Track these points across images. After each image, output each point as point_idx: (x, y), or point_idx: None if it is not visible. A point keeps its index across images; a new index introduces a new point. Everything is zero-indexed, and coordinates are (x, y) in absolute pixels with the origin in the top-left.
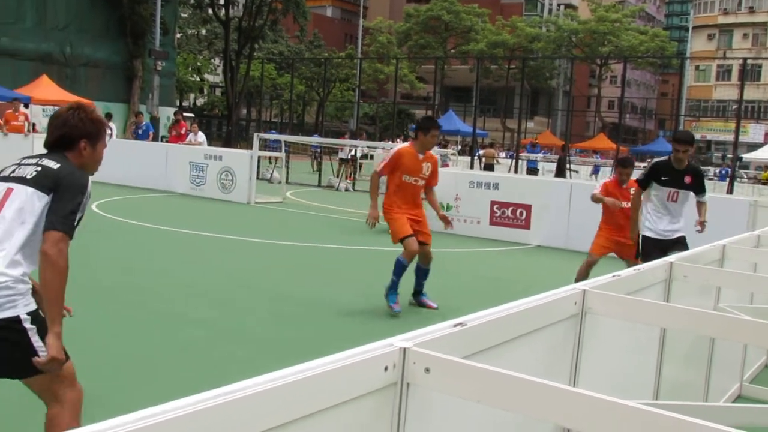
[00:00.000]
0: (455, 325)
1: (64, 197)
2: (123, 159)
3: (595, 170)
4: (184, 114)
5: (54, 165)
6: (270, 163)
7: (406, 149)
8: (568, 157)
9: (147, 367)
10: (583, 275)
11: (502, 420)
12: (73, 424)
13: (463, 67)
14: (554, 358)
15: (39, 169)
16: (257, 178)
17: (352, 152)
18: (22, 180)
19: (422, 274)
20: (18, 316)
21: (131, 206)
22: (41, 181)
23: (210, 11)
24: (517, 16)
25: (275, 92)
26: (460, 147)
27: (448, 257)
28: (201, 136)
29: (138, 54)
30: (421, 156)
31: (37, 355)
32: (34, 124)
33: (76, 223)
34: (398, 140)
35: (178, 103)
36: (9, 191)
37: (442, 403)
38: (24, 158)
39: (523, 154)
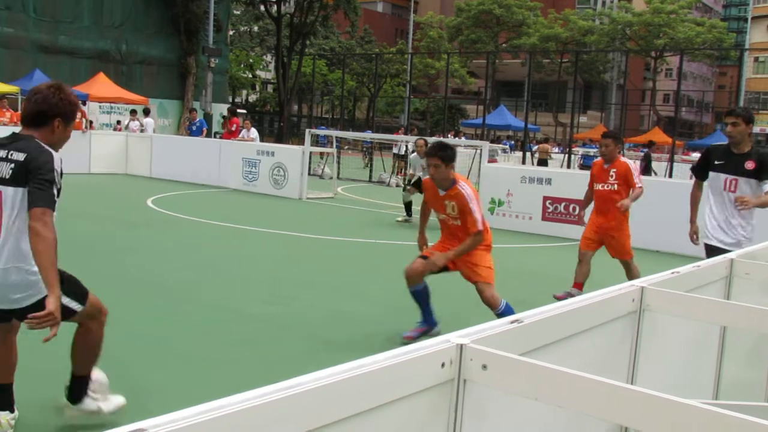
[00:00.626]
0: (512, 322)
1: (37, 178)
2: (177, 155)
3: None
4: (237, 110)
5: (21, 157)
6: (321, 158)
7: (428, 181)
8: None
9: (204, 361)
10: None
11: (559, 418)
12: (100, 332)
13: (515, 61)
14: (611, 356)
15: (12, 165)
16: (308, 173)
17: (405, 148)
18: (3, 181)
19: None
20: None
21: (185, 202)
22: (18, 178)
23: (262, 8)
24: (570, 9)
25: (326, 88)
26: (513, 143)
27: (500, 253)
28: (253, 132)
29: (191, 51)
30: (442, 192)
31: (74, 312)
32: (91, 122)
33: (56, 197)
34: (449, 135)
35: (230, 100)
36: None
37: (499, 400)
38: (1, 147)
39: (578, 149)
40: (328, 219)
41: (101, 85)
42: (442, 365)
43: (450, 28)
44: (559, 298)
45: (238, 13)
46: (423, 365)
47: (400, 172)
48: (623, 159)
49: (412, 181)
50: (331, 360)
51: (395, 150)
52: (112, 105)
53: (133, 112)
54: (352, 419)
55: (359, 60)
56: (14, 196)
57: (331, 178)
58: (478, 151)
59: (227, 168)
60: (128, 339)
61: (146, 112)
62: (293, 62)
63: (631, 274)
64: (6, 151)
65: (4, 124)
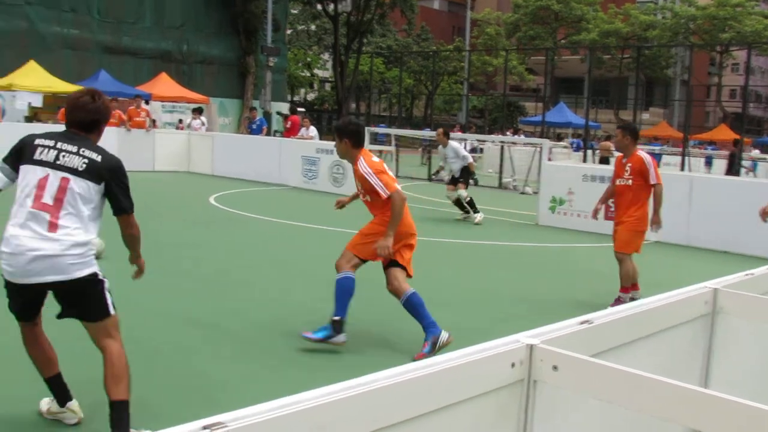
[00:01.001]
0: (581, 323)
1: (122, 184)
2: (238, 154)
3: (708, 161)
4: (297, 109)
5: (96, 156)
6: (380, 156)
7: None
8: (739, 153)
9: (270, 355)
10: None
11: (631, 420)
12: (122, 351)
13: (574, 57)
14: (683, 360)
15: (86, 161)
16: None
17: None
18: (74, 171)
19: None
20: (96, 272)
21: (246, 199)
22: (93, 173)
23: (319, 7)
24: (631, 3)
25: (384, 86)
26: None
27: (562, 252)
28: (313, 131)
29: (250, 51)
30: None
31: (107, 307)
32: (154, 120)
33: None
34: (508, 133)
35: (289, 98)
36: (66, 181)
37: (570, 401)
38: (57, 142)
39: (641, 147)
40: None
41: (163, 84)
42: (512, 365)
43: (507, 25)
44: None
45: (296, 12)
46: (493, 365)
47: None
48: (639, 153)
49: (437, 172)
50: (395, 357)
51: None
52: (174, 104)
53: (199, 111)
54: (422, 418)
55: (416, 58)
56: (87, 189)
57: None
58: (538, 149)
59: (287, 166)
60: (195, 333)
61: (199, 111)
62: (350, 60)
63: (622, 270)
64: (76, 147)
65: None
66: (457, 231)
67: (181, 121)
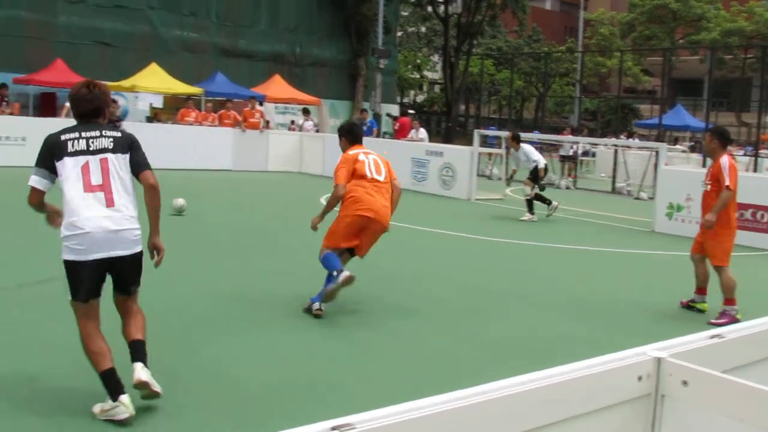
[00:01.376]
0: (712, 337)
1: (139, 149)
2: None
3: None
4: (408, 111)
5: (116, 133)
6: (489, 159)
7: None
8: None
9: (384, 360)
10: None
11: None
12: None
13: (693, 57)
14: None
15: (111, 138)
16: (477, 174)
17: (573, 149)
18: (107, 150)
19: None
20: (141, 251)
21: None
22: (120, 146)
23: (429, 9)
24: (755, 0)
25: (493, 88)
26: (691, 143)
27: (680, 261)
28: (422, 133)
29: (362, 53)
30: None
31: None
32: (268, 121)
33: None
34: (622, 136)
35: (398, 100)
36: (105, 161)
37: (699, 418)
38: (81, 132)
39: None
40: (498, 221)
41: (277, 86)
42: (639, 378)
43: (622, 25)
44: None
45: (406, 14)
46: (619, 377)
47: (570, 174)
48: (722, 158)
49: (512, 176)
50: (502, 365)
51: (562, 152)
52: (287, 105)
53: (306, 112)
54: (542, 430)
55: (527, 59)
56: (122, 160)
57: (500, 179)
58: (654, 153)
59: (397, 168)
60: (305, 335)
61: (305, 113)
62: (460, 62)
63: (721, 282)
64: (98, 131)
65: (190, 123)
66: (571, 237)
67: (293, 122)
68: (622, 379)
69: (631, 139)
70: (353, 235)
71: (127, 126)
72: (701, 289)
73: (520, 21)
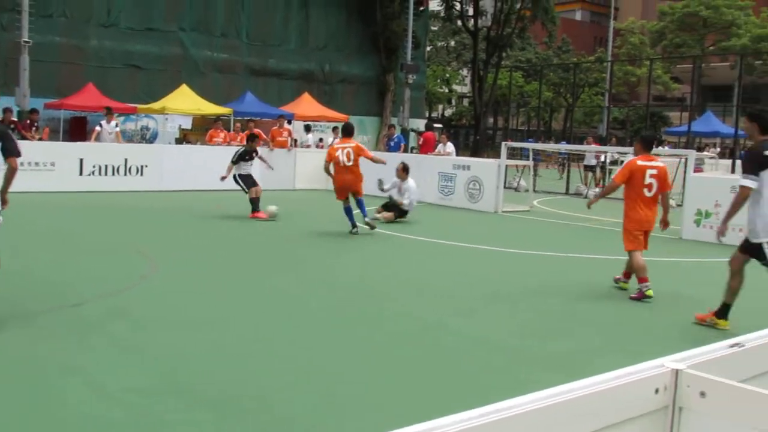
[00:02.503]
0: (731, 346)
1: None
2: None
3: None
4: (435, 125)
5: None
6: (517, 171)
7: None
8: None
9: (400, 373)
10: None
11: None
12: None
13: (723, 64)
14: None
15: None
16: (504, 186)
17: (602, 158)
18: None
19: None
20: None
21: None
22: None
23: (459, 23)
24: None
25: (522, 100)
26: (719, 149)
27: (708, 267)
28: (450, 146)
29: (390, 69)
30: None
31: None
32: (296, 140)
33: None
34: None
35: (427, 115)
36: None
37: (718, 430)
38: None
39: None
40: (525, 233)
41: (306, 104)
42: (656, 391)
43: (652, 33)
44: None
45: (435, 29)
46: (636, 390)
47: (598, 184)
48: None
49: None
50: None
51: (586, 161)
52: (315, 123)
53: (335, 130)
54: None
55: (557, 70)
56: None
57: (527, 191)
58: (683, 160)
59: (424, 182)
60: (336, 347)
61: (307, 129)
62: (489, 75)
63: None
64: None
65: (219, 144)
66: (595, 245)
67: (321, 140)
68: (640, 391)
69: (660, 147)
70: (342, 193)
71: (157, 148)
72: (627, 274)
73: (549, 32)
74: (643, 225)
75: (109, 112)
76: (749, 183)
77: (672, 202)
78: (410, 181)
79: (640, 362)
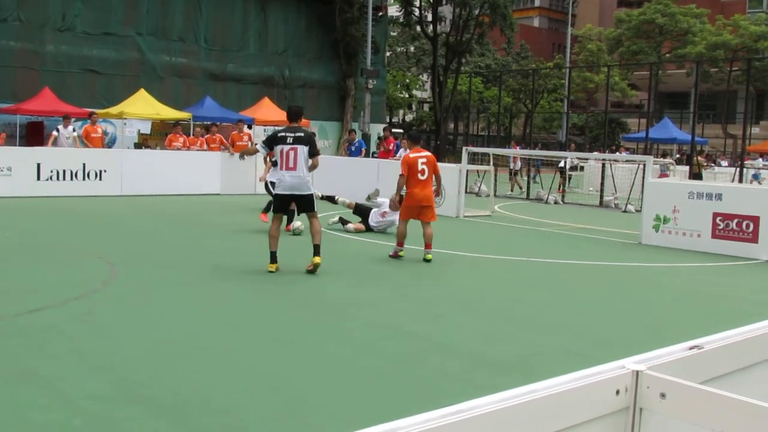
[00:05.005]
0: (690, 348)
1: None
2: (337, 175)
3: None
4: (393, 130)
5: None
6: (478, 177)
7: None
8: None
9: (362, 375)
10: None
11: None
12: None
13: (679, 71)
14: None
15: None
16: (465, 192)
17: (561, 164)
18: None
19: None
20: None
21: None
22: None
23: (418, 28)
24: (740, 14)
25: (482, 105)
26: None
27: (667, 272)
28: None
29: (350, 74)
30: None
31: None
32: (255, 144)
33: None
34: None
35: (387, 120)
36: None
37: (678, 431)
38: None
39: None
40: (486, 237)
41: (266, 109)
42: (617, 392)
43: (609, 40)
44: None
45: (395, 34)
46: (596, 392)
47: (559, 189)
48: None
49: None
50: (489, 382)
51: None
52: (276, 127)
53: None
54: None
55: (516, 76)
56: None
57: (488, 195)
58: (641, 166)
59: (385, 187)
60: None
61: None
62: (449, 81)
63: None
64: None
65: (178, 149)
66: (559, 250)
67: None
68: (600, 393)
69: (618, 153)
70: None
71: (115, 153)
72: (427, 245)
73: (508, 38)
74: (422, 201)
75: (66, 118)
76: None
77: (631, 208)
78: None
79: (600, 364)
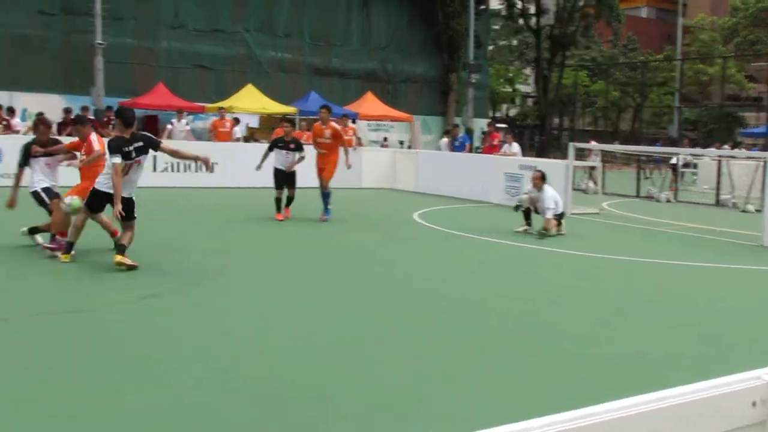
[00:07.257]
0: None
1: None
2: (441, 171)
3: None
4: (498, 125)
5: None
6: (585, 173)
7: None
8: None
9: (453, 373)
10: None
11: None
12: None
13: None
14: None
15: None
16: (573, 188)
17: (673, 160)
18: None
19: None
20: None
21: (447, 216)
22: None
23: (521, 21)
24: None
25: (588, 100)
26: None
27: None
28: (515, 147)
29: (453, 68)
30: None
31: None
32: (360, 138)
33: None
34: (726, 146)
35: (490, 114)
36: None
37: None
38: None
39: None
40: (592, 235)
41: (369, 103)
42: (753, 404)
43: (724, 30)
44: None
45: (497, 27)
46: (730, 403)
47: (671, 187)
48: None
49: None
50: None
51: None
52: (379, 122)
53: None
54: None
55: (623, 69)
56: None
57: (596, 192)
58: (761, 163)
59: (489, 183)
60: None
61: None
62: (553, 74)
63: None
64: None
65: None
66: (674, 251)
67: (385, 138)
68: (735, 404)
69: (737, 150)
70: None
71: (227, 146)
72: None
73: (614, 30)
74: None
75: (180, 112)
76: None
77: (750, 207)
78: (547, 190)
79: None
